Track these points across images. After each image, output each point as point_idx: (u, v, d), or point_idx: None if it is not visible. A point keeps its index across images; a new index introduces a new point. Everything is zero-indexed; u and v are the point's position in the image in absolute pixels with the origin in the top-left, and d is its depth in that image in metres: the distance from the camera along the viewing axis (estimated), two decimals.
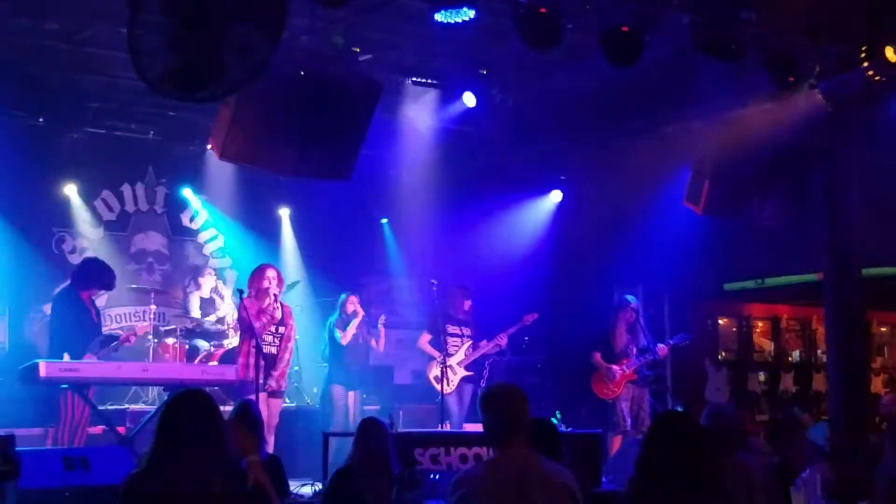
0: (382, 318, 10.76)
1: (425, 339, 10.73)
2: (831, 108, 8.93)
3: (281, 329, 9.26)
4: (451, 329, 10.68)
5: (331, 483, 6.29)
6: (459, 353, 10.64)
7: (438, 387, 10.30)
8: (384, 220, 13.47)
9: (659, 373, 11.72)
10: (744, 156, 9.73)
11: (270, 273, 9.33)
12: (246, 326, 9.08)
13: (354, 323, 10.46)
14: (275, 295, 9.25)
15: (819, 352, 14.00)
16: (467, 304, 10.79)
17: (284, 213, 13.07)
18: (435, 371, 10.49)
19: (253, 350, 8.86)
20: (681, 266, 11.88)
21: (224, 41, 4.72)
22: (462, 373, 10.58)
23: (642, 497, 3.95)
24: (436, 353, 10.52)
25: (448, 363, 10.45)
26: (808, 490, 8.07)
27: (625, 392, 10.37)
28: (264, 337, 9.11)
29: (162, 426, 4.23)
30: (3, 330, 11.50)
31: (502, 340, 10.72)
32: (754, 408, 13.33)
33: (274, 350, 9.26)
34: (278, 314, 9.23)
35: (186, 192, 12.52)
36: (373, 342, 10.67)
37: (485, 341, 10.68)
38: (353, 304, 10.59)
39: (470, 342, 10.70)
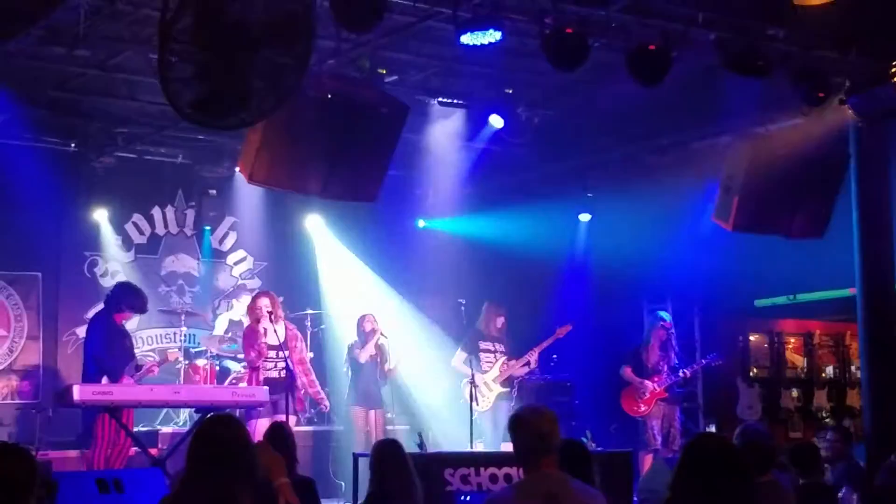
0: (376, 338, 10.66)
1: (459, 357, 10.75)
2: (862, 123, 8.88)
3: (282, 353, 9.32)
4: (484, 346, 10.69)
5: None
6: (494, 369, 10.62)
7: (472, 405, 10.29)
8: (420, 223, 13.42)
9: (690, 390, 11.66)
10: (773, 171, 9.67)
11: (263, 301, 9.49)
12: (246, 356, 9.36)
13: (372, 342, 10.47)
14: (270, 321, 9.37)
15: (853, 367, 13.84)
16: (500, 321, 10.78)
17: (314, 230, 13.02)
18: (468, 389, 10.48)
19: (255, 377, 9.10)
20: (711, 282, 11.81)
21: (253, 68, 4.77)
22: (498, 389, 10.56)
23: None
24: (468, 371, 10.51)
25: (483, 380, 10.45)
26: None
27: (655, 410, 10.31)
28: (265, 363, 9.26)
29: (193, 449, 4.26)
30: (37, 353, 11.61)
31: (533, 356, 10.70)
32: (788, 425, 13.20)
33: (275, 374, 9.34)
34: (275, 340, 9.32)
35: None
36: (384, 366, 10.62)
37: (514, 360, 10.66)
38: (371, 322, 10.60)
39: (504, 358, 10.68)
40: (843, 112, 8.83)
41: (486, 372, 10.55)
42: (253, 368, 9.42)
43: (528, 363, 10.71)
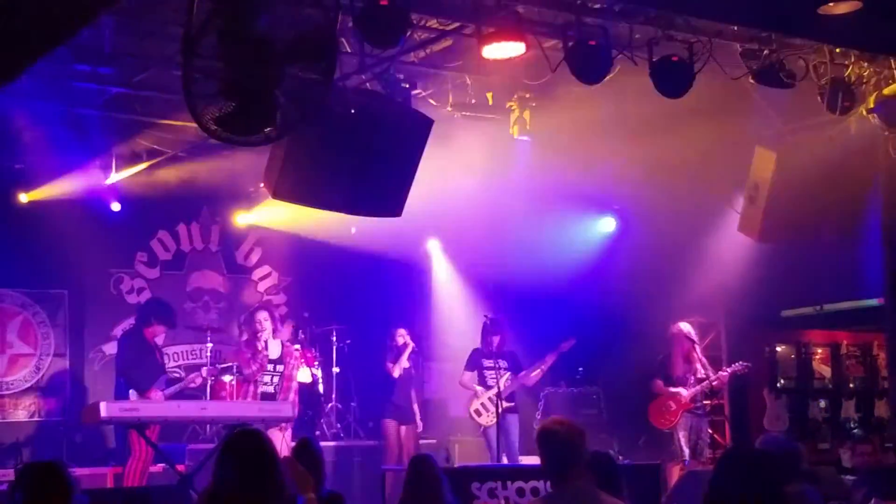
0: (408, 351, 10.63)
1: (465, 374, 10.88)
2: (888, 131, 8.82)
3: (279, 368, 9.43)
4: (486, 363, 10.78)
5: None
6: (498, 384, 10.66)
7: (478, 420, 10.60)
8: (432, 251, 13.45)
9: (717, 402, 11.58)
10: (799, 182, 9.61)
11: (262, 315, 9.60)
12: (243, 371, 9.45)
13: (405, 356, 10.50)
14: (266, 339, 9.51)
15: (881, 377, 13.73)
16: (495, 340, 10.81)
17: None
18: (474, 405, 10.66)
19: (251, 391, 9.19)
20: (737, 293, 11.75)
21: (278, 84, 4.79)
22: (503, 404, 10.57)
23: None
24: (471, 388, 10.72)
25: (487, 396, 10.54)
26: None
27: (682, 421, 10.25)
28: (262, 378, 9.36)
29: (219, 465, 4.27)
30: (64, 371, 11.68)
31: (534, 371, 10.75)
32: (815, 436, 13.09)
33: (271, 389, 9.45)
34: (273, 354, 9.43)
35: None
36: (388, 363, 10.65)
37: (523, 373, 10.72)
38: (403, 336, 10.64)
39: (507, 374, 10.72)
40: (870, 121, 8.77)
41: (490, 388, 10.62)
42: (251, 382, 9.55)
43: (530, 377, 10.77)
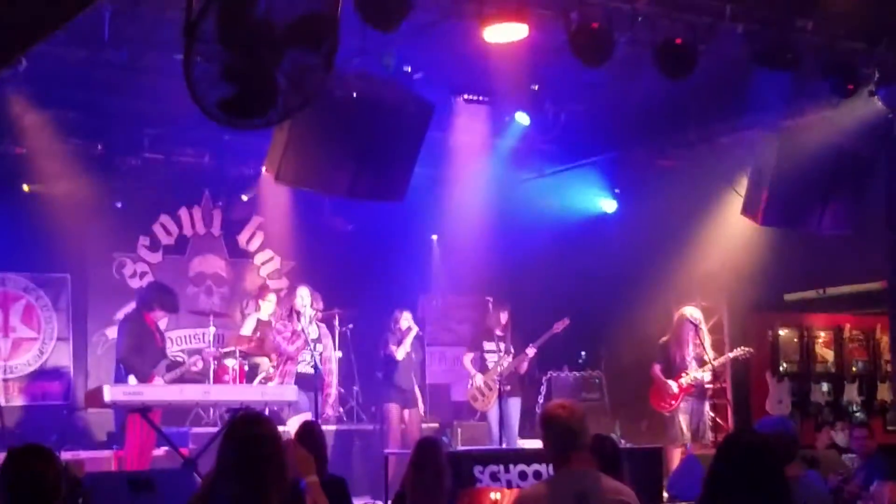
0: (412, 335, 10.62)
1: (467, 357, 10.91)
2: (892, 114, 8.80)
3: (318, 347, 9.36)
4: (488, 346, 10.80)
5: None
6: (496, 368, 10.68)
7: (474, 405, 10.74)
8: (434, 237, 13.46)
9: (719, 386, 11.58)
10: (803, 165, 9.59)
11: (303, 292, 9.48)
12: (281, 350, 9.27)
13: (409, 339, 10.52)
14: (310, 316, 9.38)
15: (884, 361, 13.74)
16: (504, 316, 10.83)
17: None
18: (471, 390, 10.73)
19: (289, 372, 9.07)
20: (740, 277, 11.74)
21: (279, 68, 4.77)
22: (502, 389, 10.57)
23: None
24: (472, 371, 10.78)
25: (484, 380, 10.58)
26: (877, 503, 7.93)
27: (683, 405, 10.26)
28: (302, 358, 9.27)
29: (222, 449, 4.27)
30: (67, 355, 11.70)
31: (531, 351, 10.78)
32: (817, 420, 13.10)
33: (311, 370, 9.35)
34: (313, 334, 9.34)
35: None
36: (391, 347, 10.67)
37: (516, 358, 10.73)
38: (407, 320, 10.64)
39: (508, 357, 10.74)
40: (873, 104, 8.74)
41: (488, 372, 10.64)
42: (291, 360, 9.41)
43: (526, 359, 10.77)
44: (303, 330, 9.46)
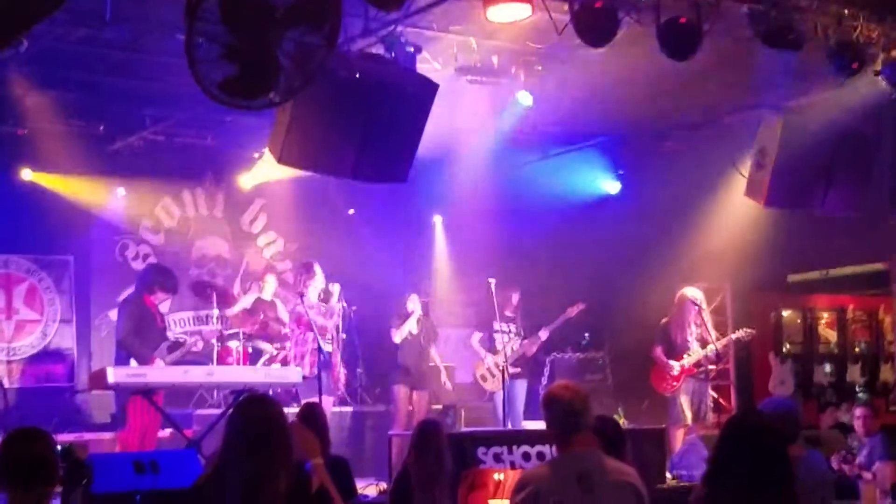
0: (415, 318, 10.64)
1: (475, 337, 10.91)
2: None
3: (339, 324, 9.41)
4: (497, 326, 10.77)
5: (392, 486, 6.31)
6: (506, 350, 10.67)
7: (484, 385, 10.76)
8: (437, 218, 13.44)
9: (722, 367, 11.58)
10: (806, 145, 9.55)
11: (318, 269, 9.56)
12: (312, 326, 9.25)
13: (412, 321, 10.51)
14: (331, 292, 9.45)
15: (886, 342, 13.75)
16: (515, 297, 10.83)
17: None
18: (481, 370, 10.74)
19: (315, 350, 9.05)
20: (743, 258, 11.73)
21: (280, 48, 4.75)
22: (510, 370, 10.58)
23: (718, 497, 3.91)
24: (481, 352, 10.77)
25: (494, 361, 10.58)
26: (879, 482, 7.94)
27: (685, 386, 10.24)
28: (328, 335, 9.30)
29: (229, 431, 4.27)
30: (70, 337, 11.71)
31: (544, 335, 10.76)
32: (820, 400, 13.12)
33: (331, 347, 9.39)
34: (339, 309, 9.42)
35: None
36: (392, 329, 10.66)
37: (527, 340, 10.74)
38: (413, 302, 10.64)
39: (517, 339, 10.74)
40: (878, 84, 8.69)
41: (498, 352, 10.64)
42: (321, 335, 9.42)
43: (538, 342, 10.78)
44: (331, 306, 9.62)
